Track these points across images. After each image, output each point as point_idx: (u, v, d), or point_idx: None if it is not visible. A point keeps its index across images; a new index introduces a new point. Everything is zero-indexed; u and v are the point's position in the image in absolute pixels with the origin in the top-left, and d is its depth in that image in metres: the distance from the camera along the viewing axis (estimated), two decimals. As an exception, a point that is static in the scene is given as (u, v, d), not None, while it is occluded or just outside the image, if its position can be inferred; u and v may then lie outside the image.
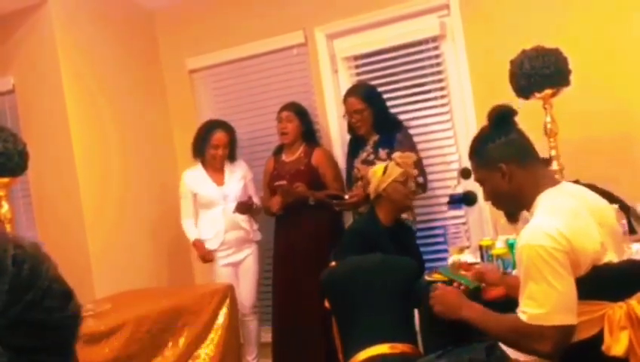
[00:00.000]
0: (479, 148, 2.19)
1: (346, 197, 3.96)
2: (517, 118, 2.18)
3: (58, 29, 4.32)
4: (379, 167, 3.55)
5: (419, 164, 3.78)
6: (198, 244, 4.37)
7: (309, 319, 4.01)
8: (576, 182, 2.57)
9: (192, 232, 4.41)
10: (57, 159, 4.36)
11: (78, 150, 4.33)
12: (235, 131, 4.46)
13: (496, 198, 2.22)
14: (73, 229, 4.33)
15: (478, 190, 2.35)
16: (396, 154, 3.60)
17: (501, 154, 2.10)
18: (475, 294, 2.55)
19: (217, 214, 4.31)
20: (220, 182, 4.38)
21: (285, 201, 4.18)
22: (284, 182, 4.16)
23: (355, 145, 4.14)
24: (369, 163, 3.88)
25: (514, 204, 2.17)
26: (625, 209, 3.01)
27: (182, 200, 4.44)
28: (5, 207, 3.41)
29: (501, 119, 2.16)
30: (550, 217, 1.96)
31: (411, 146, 3.92)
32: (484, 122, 2.21)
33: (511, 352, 2.07)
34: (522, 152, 2.12)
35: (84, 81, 4.45)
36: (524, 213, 2.16)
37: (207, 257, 4.34)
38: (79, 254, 4.27)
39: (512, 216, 2.22)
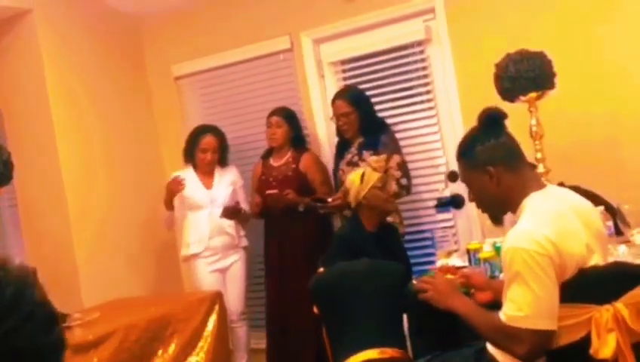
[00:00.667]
0: (467, 149, 2.18)
1: (329, 200, 3.97)
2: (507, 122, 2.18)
3: (43, 37, 4.30)
4: (356, 175, 3.51)
5: (402, 165, 3.79)
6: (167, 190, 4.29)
7: (302, 324, 4.00)
8: (561, 184, 2.58)
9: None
10: (43, 168, 4.34)
11: (64, 158, 4.31)
12: (225, 136, 4.45)
13: (482, 200, 2.22)
14: (60, 238, 4.31)
15: (466, 193, 2.34)
16: (371, 159, 3.58)
17: (489, 157, 2.10)
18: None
19: (203, 217, 4.30)
20: (208, 185, 4.37)
21: (276, 208, 4.18)
22: (275, 191, 4.16)
23: (342, 148, 4.14)
24: (353, 165, 3.89)
25: (500, 207, 2.17)
26: (611, 211, 3.02)
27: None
28: (-9, 216, 3.39)
29: (492, 121, 2.16)
30: (537, 221, 1.97)
31: (396, 148, 3.93)
32: (472, 124, 2.21)
33: (499, 357, 2.07)
34: (510, 155, 2.12)
35: (69, 88, 4.42)
36: (510, 215, 2.16)
37: (176, 183, 4.22)
38: (66, 262, 4.25)
39: (496, 219, 2.23)
